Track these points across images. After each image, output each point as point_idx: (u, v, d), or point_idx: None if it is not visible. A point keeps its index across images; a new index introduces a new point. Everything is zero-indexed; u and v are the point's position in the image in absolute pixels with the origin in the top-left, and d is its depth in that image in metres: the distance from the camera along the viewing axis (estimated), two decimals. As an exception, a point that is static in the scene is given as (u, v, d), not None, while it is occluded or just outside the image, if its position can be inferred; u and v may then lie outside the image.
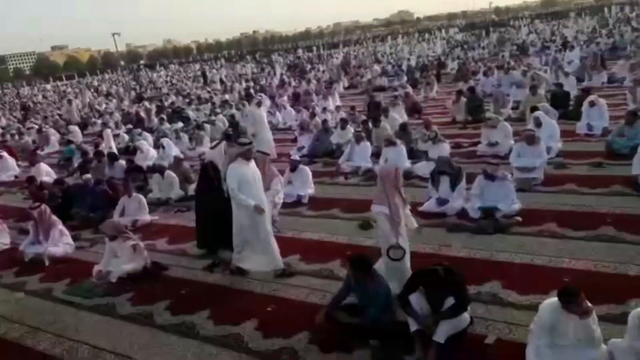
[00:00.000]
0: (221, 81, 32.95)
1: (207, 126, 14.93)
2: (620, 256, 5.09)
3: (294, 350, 4.36)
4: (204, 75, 39.27)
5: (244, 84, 28.32)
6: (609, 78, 15.03)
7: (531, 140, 7.82)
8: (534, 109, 9.85)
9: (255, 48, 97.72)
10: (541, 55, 22.50)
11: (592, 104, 9.94)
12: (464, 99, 12.73)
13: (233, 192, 5.59)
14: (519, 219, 6.31)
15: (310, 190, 8.42)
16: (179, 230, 7.79)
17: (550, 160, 8.15)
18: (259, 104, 11.85)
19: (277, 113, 16.00)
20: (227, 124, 15.27)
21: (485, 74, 16.47)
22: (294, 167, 8.53)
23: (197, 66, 60.27)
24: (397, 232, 4.79)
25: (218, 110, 18.09)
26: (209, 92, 26.44)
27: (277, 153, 11.67)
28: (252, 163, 5.82)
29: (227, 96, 22.71)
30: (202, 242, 6.74)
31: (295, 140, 12.61)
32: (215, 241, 6.49)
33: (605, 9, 47.61)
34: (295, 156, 8.97)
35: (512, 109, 12.52)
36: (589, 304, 3.54)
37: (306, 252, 6.30)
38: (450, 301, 4.05)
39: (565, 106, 11.38)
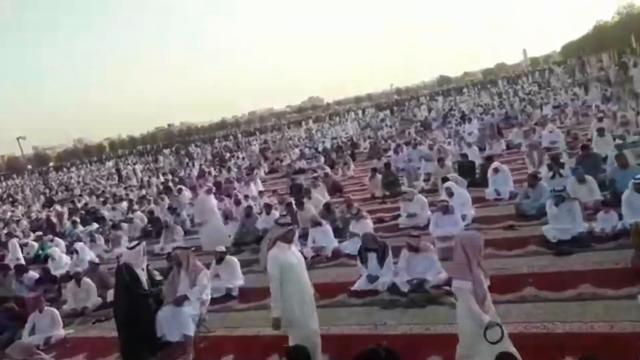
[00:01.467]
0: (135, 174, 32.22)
1: (125, 225, 14.33)
2: (546, 315, 5.31)
3: None
4: (118, 172, 38.25)
5: (161, 178, 27.82)
6: (507, 145, 16.42)
7: (446, 210, 8.23)
8: (444, 179, 10.46)
9: (171, 141, 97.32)
10: (443, 129, 24.34)
11: (496, 170, 10.73)
12: (379, 175, 13.29)
13: (272, 283, 4.73)
14: (448, 288, 6.44)
15: (239, 281, 8.16)
16: (99, 342, 7.17)
17: (467, 227, 8.54)
18: (209, 192, 11.62)
19: (198, 204, 15.68)
20: (145, 220, 14.76)
21: (395, 151, 17.39)
22: (219, 259, 8.28)
23: (111, 163, 58.69)
24: (484, 308, 4.18)
25: (136, 207, 17.49)
26: (125, 189, 25.64)
27: (199, 245, 11.34)
28: (294, 247, 5.10)
29: (144, 191, 22.11)
30: (127, 355, 6.18)
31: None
32: (141, 352, 6.05)
33: (499, 82, 53.07)
34: (221, 247, 8.74)
35: (424, 180, 13.22)
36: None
37: (241, 350, 6.00)
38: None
39: (472, 175, 12.18)
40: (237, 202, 13.21)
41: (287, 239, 4.89)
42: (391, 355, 4.12)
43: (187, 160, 38.94)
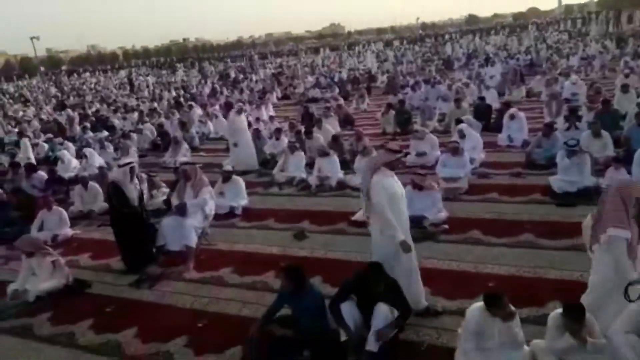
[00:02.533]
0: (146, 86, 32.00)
1: (134, 135, 14.41)
2: (539, 261, 5.39)
3: (226, 366, 4.25)
4: (130, 82, 37.95)
5: (173, 92, 27.62)
6: (527, 92, 16.03)
7: (455, 151, 8.17)
8: (458, 121, 10.30)
9: (185, 56, 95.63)
10: (465, 69, 23.68)
11: (512, 117, 10.54)
12: (393, 112, 13.11)
13: (383, 210, 4.36)
14: (446, 226, 6.54)
15: (243, 201, 8.30)
16: (103, 244, 7.41)
17: (474, 171, 8.54)
18: (240, 112, 11.31)
19: (209, 122, 15.70)
20: (155, 133, 14.82)
21: (413, 88, 17.04)
22: (226, 178, 8.38)
23: (124, 73, 58.10)
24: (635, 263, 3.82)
25: (146, 119, 17.51)
26: (136, 99, 25.54)
27: (208, 163, 11.46)
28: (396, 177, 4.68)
29: (155, 104, 22.04)
30: (127, 261, 6.54)
31: (227, 149, 12.39)
32: (140, 258, 6.39)
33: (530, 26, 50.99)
34: (228, 167, 8.81)
35: (439, 121, 13.03)
36: (512, 308, 3.72)
37: (239, 264, 6.19)
38: (380, 307, 4.09)
39: (487, 119, 11.99)
40: (248, 125, 13.11)
41: (392, 166, 4.56)
42: (389, 280, 4.21)
43: (200, 77, 38.48)
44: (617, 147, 8.55)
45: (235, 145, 10.65)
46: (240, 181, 8.56)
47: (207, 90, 27.19)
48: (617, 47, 26.17)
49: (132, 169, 6.40)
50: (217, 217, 7.53)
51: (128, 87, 36.09)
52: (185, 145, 12.57)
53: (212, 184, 8.15)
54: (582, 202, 6.78)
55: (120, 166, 6.53)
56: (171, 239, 6.49)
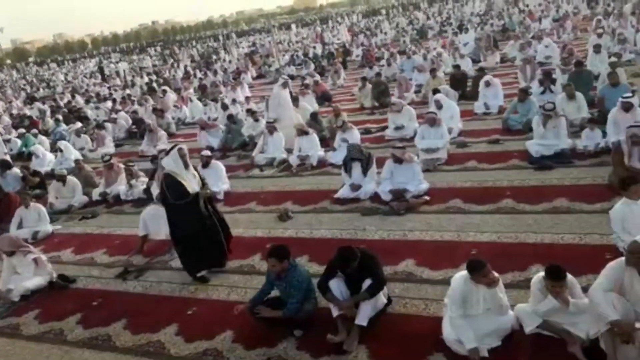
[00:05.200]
0: (117, 75, 31.34)
1: (109, 125, 14.15)
2: (520, 226, 5.49)
3: (218, 351, 4.28)
4: (101, 70, 37.12)
5: (145, 78, 27.10)
6: (501, 58, 16.07)
7: (433, 122, 8.19)
8: (435, 91, 10.31)
9: (155, 39, 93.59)
10: (439, 38, 23.60)
11: (487, 83, 10.57)
12: (369, 86, 13.05)
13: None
14: (427, 198, 6.60)
15: (224, 185, 8.24)
16: (85, 238, 7.34)
17: (453, 140, 8.58)
18: (285, 85, 10.85)
19: (184, 107, 15.47)
20: (130, 121, 14.57)
21: (388, 62, 16.93)
22: (205, 163, 8.30)
23: (94, 61, 56.70)
24: None
25: (119, 107, 17.18)
26: (108, 88, 25.01)
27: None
28: None
29: (128, 91, 21.61)
30: (189, 267, 5.63)
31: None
32: (202, 262, 5.56)
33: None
34: (206, 152, 8.72)
35: (415, 92, 13.02)
36: (495, 274, 3.79)
37: (224, 249, 6.17)
38: (368, 283, 4.16)
39: (463, 87, 12.02)
40: (224, 107, 12.98)
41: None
42: (366, 256, 4.29)
43: (171, 60, 37.76)
44: (592, 108, 8.67)
45: (276, 121, 9.94)
46: (220, 165, 8.49)
47: (180, 73, 26.73)
48: (587, 7, 26.29)
49: (182, 154, 5.37)
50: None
51: (99, 76, 35.27)
52: (162, 132, 12.37)
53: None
54: (560, 165, 6.89)
55: (166, 153, 5.52)
56: (154, 228, 6.46)
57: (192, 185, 5.35)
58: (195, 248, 5.42)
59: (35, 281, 5.84)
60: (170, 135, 13.12)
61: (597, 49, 11.91)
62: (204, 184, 5.57)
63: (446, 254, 5.17)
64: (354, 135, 9.03)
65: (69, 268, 6.41)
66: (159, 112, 14.08)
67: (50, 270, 6.00)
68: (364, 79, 13.50)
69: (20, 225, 7.76)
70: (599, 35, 14.11)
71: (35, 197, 8.79)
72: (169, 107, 15.74)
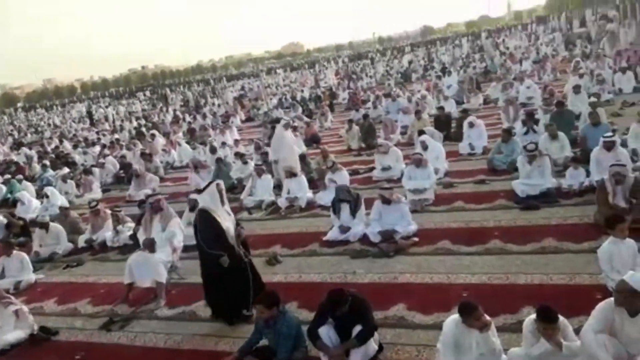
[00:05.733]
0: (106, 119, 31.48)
1: (96, 170, 14.09)
2: (509, 267, 5.47)
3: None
4: (90, 115, 37.25)
5: (134, 122, 27.24)
6: (484, 99, 16.43)
7: (419, 163, 8.27)
8: (420, 132, 10.46)
9: (144, 84, 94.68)
10: (422, 81, 24.15)
11: (471, 124, 10.76)
12: (356, 127, 13.23)
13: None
14: (416, 239, 6.58)
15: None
16: (69, 287, 7.17)
17: (439, 181, 8.65)
18: (287, 126, 10.90)
19: (173, 151, 15.51)
20: (117, 165, 14.53)
21: (374, 104, 17.21)
22: (193, 207, 8.23)
23: (82, 106, 56.98)
24: None
25: (107, 152, 17.16)
26: (97, 133, 25.05)
27: (174, 192, 11.28)
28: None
29: (116, 136, 21.66)
30: (216, 310, 5.48)
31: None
32: (233, 307, 5.33)
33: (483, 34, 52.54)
34: (194, 194, 8.67)
35: (401, 133, 13.21)
36: (487, 317, 3.75)
37: (212, 295, 6.05)
38: (358, 329, 4.09)
39: (448, 128, 12.22)
40: (213, 150, 13.04)
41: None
42: (357, 300, 4.24)
43: (160, 104, 38.08)
44: (574, 147, 8.83)
45: (276, 162, 10.00)
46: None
47: (169, 117, 26.91)
48: (566, 50, 27.18)
49: (220, 189, 5.27)
50: (186, 248, 7.39)
51: (88, 121, 35.35)
52: (150, 176, 12.33)
53: (181, 213, 8.05)
54: (546, 205, 6.95)
55: (201, 190, 5.44)
56: (140, 275, 6.33)
57: (226, 223, 5.24)
58: (223, 289, 5.24)
59: (15, 334, 5.65)
60: (159, 179, 13.08)
61: (577, 89, 12.25)
62: (238, 223, 5.48)
63: (437, 296, 5.12)
64: (343, 176, 9.09)
65: (52, 319, 6.21)
66: (147, 156, 14.07)
67: (32, 322, 5.81)
68: (350, 121, 13.71)
69: (2, 275, 7.57)
70: (580, 76, 14.54)
71: (19, 245, 8.61)
72: (158, 151, 15.75)
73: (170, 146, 16.04)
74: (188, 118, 24.83)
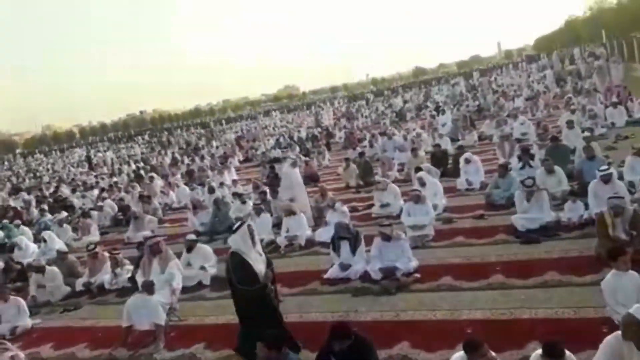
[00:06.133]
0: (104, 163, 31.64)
1: (94, 213, 14.06)
2: (513, 302, 5.42)
3: None
4: (89, 159, 37.47)
5: (132, 166, 27.38)
6: (479, 136, 16.64)
7: (417, 199, 8.31)
8: (417, 169, 10.55)
9: (142, 128, 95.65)
10: (417, 120, 24.50)
11: (467, 161, 10.87)
12: (353, 165, 13.35)
13: None
14: (418, 275, 6.54)
15: (212, 269, 8.09)
16: (66, 332, 7.03)
17: (438, 217, 8.66)
18: (294, 165, 10.84)
19: (171, 192, 15.54)
20: (116, 208, 14.52)
21: (370, 143, 17.42)
22: (189, 248, 8.20)
23: (80, 151, 57.39)
24: None
25: (106, 195, 17.17)
26: (95, 176, 25.13)
27: (173, 234, 11.23)
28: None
29: (115, 179, 21.72)
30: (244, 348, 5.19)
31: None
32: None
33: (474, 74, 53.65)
34: (191, 235, 8.64)
35: (398, 170, 13.31)
36: (493, 354, 3.69)
37: (212, 338, 5.94)
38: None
39: (444, 165, 12.32)
40: (211, 190, 13.08)
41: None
42: (360, 340, 4.17)
43: (159, 148, 38.39)
44: (571, 181, 8.89)
45: (292, 201, 9.88)
46: (206, 249, 8.41)
47: (167, 160, 27.07)
48: (557, 86, 27.72)
49: (250, 229, 5.17)
50: (184, 289, 7.33)
51: (87, 165, 35.53)
52: (149, 217, 12.31)
53: (179, 254, 8.00)
54: (546, 239, 6.95)
55: (234, 231, 5.24)
56: (138, 318, 6.22)
57: (258, 265, 5.09)
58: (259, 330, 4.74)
59: (11, 381, 5.52)
60: (157, 220, 13.05)
61: (571, 124, 12.42)
62: (269, 263, 5.33)
63: (441, 333, 5.04)
64: (344, 213, 9.09)
65: (48, 365, 6.08)
66: (145, 198, 14.08)
67: (28, 368, 5.69)
68: (347, 159, 13.83)
69: (-2, 321, 7.44)
70: (572, 112, 14.78)
71: (16, 290, 8.51)
72: (156, 193, 15.77)
73: (168, 188, 16.09)
74: (187, 160, 24.99)
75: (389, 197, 9.91)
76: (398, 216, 8.87)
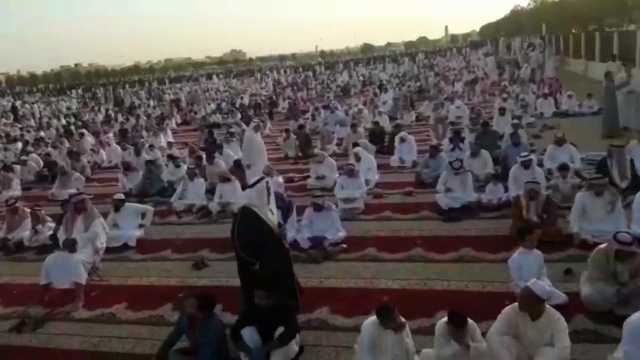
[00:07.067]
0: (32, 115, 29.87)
1: (17, 167, 13.31)
2: (428, 274, 5.73)
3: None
4: (14, 110, 35.12)
5: (62, 120, 25.99)
6: (417, 117, 17.08)
7: (352, 173, 8.51)
8: (354, 145, 10.74)
9: (77, 82, 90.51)
10: (360, 96, 24.74)
11: (402, 139, 11.18)
12: (293, 136, 13.36)
13: None
14: (344, 246, 6.74)
15: (138, 231, 7.94)
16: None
17: (369, 191, 8.91)
18: (257, 129, 10.34)
19: (102, 150, 14.96)
20: (42, 163, 13.81)
21: (312, 115, 17.45)
22: (117, 207, 7.99)
23: (6, 100, 53.59)
24: None
25: (31, 148, 16.27)
26: (20, 129, 23.66)
27: (100, 194, 10.87)
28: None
29: (42, 133, 20.59)
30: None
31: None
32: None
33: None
34: (119, 195, 8.41)
35: (337, 144, 13.48)
36: (402, 319, 3.92)
37: (134, 299, 5.89)
38: (280, 331, 4.15)
39: (381, 142, 12.60)
40: (137, 152, 12.76)
41: None
42: (281, 303, 4.32)
43: (92, 104, 36.61)
44: (496, 165, 9.37)
45: (249, 167, 9.68)
46: (135, 208, 8.23)
47: (100, 117, 25.91)
48: (497, 75, 28.75)
49: (268, 186, 4.98)
50: (109, 250, 7.18)
51: (12, 116, 33.29)
52: (76, 175, 11.80)
53: (106, 215, 7.79)
54: (467, 217, 7.34)
55: (251, 186, 4.99)
56: (57, 276, 6.04)
57: (271, 222, 4.90)
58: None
59: None
60: (85, 178, 12.55)
61: (502, 111, 13.02)
62: (280, 224, 5.15)
63: (359, 301, 5.26)
64: (277, 183, 9.12)
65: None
66: (74, 155, 13.49)
67: None
68: (287, 131, 13.82)
69: None
70: (504, 99, 15.46)
71: None
72: (86, 150, 15.15)
73: (99, 146, 15.47)
74: (121, 118, 24.02)
75: (325, 169, 10.04)
76: (332, 189, 9.03)
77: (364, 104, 19.87)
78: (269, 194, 4.94)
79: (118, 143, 15.67)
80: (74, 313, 5.68)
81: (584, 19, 45.79)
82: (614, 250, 4.58)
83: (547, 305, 3.84)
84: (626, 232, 4.88)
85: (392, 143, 11.82)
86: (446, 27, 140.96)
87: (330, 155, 11.08)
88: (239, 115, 21.09)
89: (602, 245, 4.80)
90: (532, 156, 8.12)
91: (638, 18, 48.08)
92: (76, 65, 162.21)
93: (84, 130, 18.16)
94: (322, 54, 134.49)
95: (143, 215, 8.26)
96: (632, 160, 7.70)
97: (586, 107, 14.84)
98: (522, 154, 7.90)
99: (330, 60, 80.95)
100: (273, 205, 5.07)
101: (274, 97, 27.85)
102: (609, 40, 21.85)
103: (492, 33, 76.97)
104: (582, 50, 27.16)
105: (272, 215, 4.97)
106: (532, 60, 27.46)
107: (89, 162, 13.97)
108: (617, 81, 12.02)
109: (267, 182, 4.99)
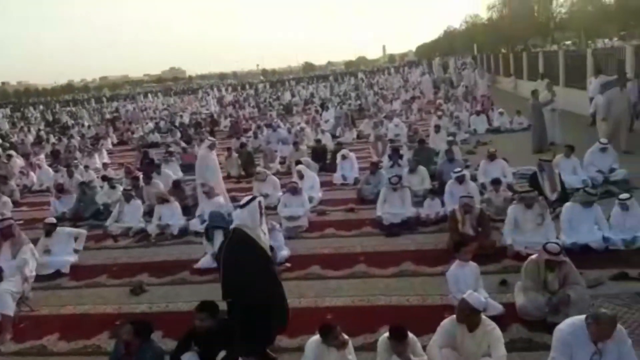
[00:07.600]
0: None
1: None
2: (372, 290, 5.81)
3: None
4: None
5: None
6: (357, 134, 17.42)
7: (295, 191, 8.54)
8: (297, 162, 10.80)
9: (4, 101, 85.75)
10: (302, 114, 24.96)
11: (344, 157, 11.38)
12: (235, 154, 13.27)
13: None
14: (288, 265, 6.72)
15: (70, 257, 7.56)
16: None
17: (313, 209, 8.97)
18: (212, 147, 9.81)
19: (32, 173, 14.22)
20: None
21: (255, 134, 17.39)
22: (48, 232, 7.59)
23: None
24: None
25: (-48, 172, 15.19)
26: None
27: (31, 218, 10.31)
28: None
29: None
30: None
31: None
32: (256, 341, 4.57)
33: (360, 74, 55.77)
34: (50, 219, 7.99)
35: (280, 163, 13.51)
36: (345, 337, 3.94)
37: (67, 329, 5.59)
38: (222, 355, 4.06)
39: (323, 160, 12.75)
40: (70, 174, 12.24)
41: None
42: (224, 326, 4.24)
43: (21, 124, 34.79)
44: (433, 180, 9.68)
45: (203, 186, 9.20)
46: (67, 232, 7.84)
47: (30, 138, 24.65)
48: (433, 93, 29.85)
49: (261, 206, 4.70)
50: (41, 278, 6.80)
51: None
52: (4, 199, 11.12)
53: (36, 241, 7.38)
54: (406, 232, 7.54)
55: (243, 206, 4.68)
56: (-18, 308, 5.65)
57: (265, 242, 4.70)
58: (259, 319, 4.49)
59: None
60: (15, 203, 11.85)
61: (437, 129, 13.52)
62: (272, 248, 4.94)
63: (304, 320, 5.22)
64: (220, 202, 9.00)
65: None
66: (1, 179, 12.74)
67: None
68: (229, 149, 13.70)
69: None
70: (439, 117, 16.06)
71: None
72: (14, 173, 14.35)
73: (29, 168, 14.70)
74: (52, 139, 22.95)
75: (268, 188, 10.01)
76: (275, 207, 9.00)
77: (307, 122, 20.05)
78: (261, 214, 4.73)
79: (50, 165, 14.97)
80: (1, 347, 5.31)
81: (512, 40, 48.62)
82: (544, 260, 4.82)
83: (483, 316, 3.98)
84: (555, 242, 5.15)
85: (334, 160, 11.98)
86: (384, 47, 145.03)
87: (273, 174, 11.08)
88: (178, 134, 20.71)
89: (533, 256, 5.04)
90: (466, 171, 8.47)
91: (560, 39, 51.62)
92: (3, 83, 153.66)
93: (12, 152, 17.20)
94: (264, 72, 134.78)
95: (76, 239, 7.89)
96: (559, 174, 8.20)
97: (516, 124, 15.69)
98: (456, 170, 8.23)
99: (272, 79, 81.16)
100: (265, 225, 4.91)
101: (215, 116, 27.55)
102: (535, 60, 23.30)
103: (428, 53, 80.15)
104: (511, 69, 28.78)
105: (264, 236, 4.79)
106: (465, 79, 28.79)
107: (17, 185, 13.24)
108: (542, 99, 12.80)
109: (259, 202, 4.77)
